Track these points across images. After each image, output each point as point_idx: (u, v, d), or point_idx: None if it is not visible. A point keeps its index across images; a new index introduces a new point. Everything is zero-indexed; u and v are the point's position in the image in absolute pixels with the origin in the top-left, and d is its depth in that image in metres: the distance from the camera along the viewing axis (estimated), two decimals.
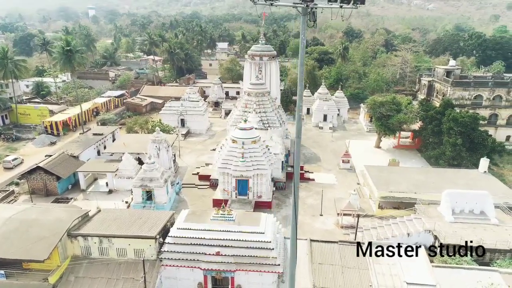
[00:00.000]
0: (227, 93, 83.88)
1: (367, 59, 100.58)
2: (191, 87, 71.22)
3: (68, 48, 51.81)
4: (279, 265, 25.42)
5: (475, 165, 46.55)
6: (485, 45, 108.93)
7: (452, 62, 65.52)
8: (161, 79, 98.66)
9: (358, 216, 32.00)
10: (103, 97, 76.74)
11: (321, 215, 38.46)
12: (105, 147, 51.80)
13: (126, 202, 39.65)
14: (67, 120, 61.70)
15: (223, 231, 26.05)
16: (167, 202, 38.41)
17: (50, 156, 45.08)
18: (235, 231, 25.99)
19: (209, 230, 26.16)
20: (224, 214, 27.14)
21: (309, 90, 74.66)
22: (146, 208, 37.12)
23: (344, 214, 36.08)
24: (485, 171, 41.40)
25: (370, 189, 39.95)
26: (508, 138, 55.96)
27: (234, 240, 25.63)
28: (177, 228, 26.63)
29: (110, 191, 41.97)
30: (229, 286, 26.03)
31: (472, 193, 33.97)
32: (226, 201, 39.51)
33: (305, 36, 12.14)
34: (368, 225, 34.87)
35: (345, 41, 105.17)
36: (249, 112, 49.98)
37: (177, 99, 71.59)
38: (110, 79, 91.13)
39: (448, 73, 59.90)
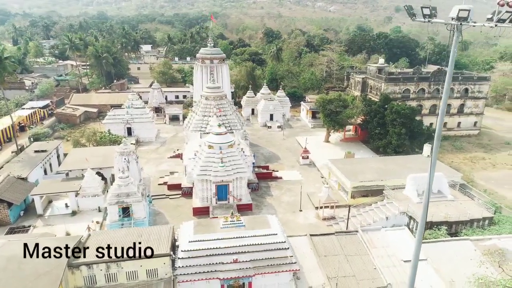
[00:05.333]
0: (165, 98, 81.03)
1: (294, 59, 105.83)
2: (132, 93, 67.28)
3: None
4: (295, 263, 26.30)
5: (415, 151, 53.02)
6: (391, 44, 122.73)
7: (381, 60, 73.12)
8: (86, 86, 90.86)
9: (349, 206, 34.39)
10: (25, 109, 68.11)
11: (300, 210, 40.18)
12: (50, 165, 46.54)
13: (98, 222, 36.47)
14: None
15: (237, 237, 25.92)
16: (146, 216, 36.33)
17: None
18: (249, 236, 26.08)
19: (223, 239, 25.77)
20: (234, 221, 26.99)
21: (252, 91, 76.15)
22: (124, 226, 34.64)
23: (325, 207, 38.30)
24: (428, 155, 47.39)
25: (340, 181, 42.88)
26: (431, 125, 64.46)
27: (251, 245, 25.69)
28: (189, 241, 25.66)
29: (74, 213, 38.01)
30: None
31: None
32: (207, 208, 39.04)
33: (455, 51, 13.22)
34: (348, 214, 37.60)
35: (278, 42, 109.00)
36: (210, 116, 49.55)
37: (114, 106, 67.18)
38: (27, 88, 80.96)
39: (379, 70, 66.74)
